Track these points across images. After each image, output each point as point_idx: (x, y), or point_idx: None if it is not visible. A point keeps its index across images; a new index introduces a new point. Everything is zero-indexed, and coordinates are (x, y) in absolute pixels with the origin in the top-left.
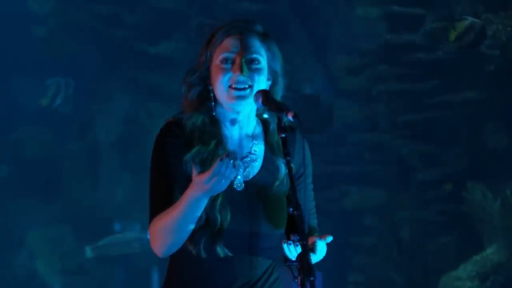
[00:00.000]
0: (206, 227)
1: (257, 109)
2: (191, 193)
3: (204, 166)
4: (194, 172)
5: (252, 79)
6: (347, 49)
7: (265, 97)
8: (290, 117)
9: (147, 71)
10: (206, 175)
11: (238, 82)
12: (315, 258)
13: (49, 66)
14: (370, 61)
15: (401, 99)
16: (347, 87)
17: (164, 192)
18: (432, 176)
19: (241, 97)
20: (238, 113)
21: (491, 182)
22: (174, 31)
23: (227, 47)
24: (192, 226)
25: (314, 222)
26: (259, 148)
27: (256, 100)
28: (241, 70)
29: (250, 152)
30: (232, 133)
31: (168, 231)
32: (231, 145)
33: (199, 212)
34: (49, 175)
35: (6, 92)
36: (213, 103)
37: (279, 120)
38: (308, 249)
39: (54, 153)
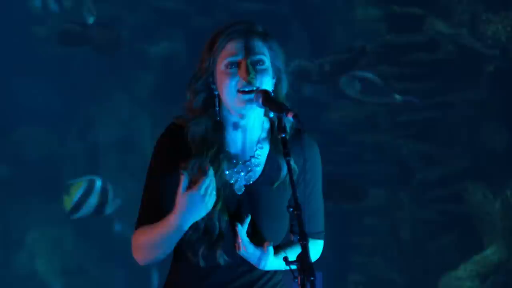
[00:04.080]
0: (205, 235)
1: (265, 111)
2: (174, 217)
3: (204, 173)
4: (181, 189)
5: (259, 81)
6: (347, 49)
7: (265, 97)
8: (290, 117)
9: (147, 71)
10: (199, 185)
11: (245, 86)
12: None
13: (49, 66)
14: (370, 61)
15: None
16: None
17: (154, 202)
18: (432, 176)
19: (250, 101)
20: (242, 116)
21: (491, 182)
22: (174, 31)
23: (230, 51)
24: (175, 242)
25: (316, 227)
26: (263, 152)
27: (256, 100)
28: (248, 73)
29: (253, 156)
30: (236, 137)
31: (152, 247)
32: (234, 149)
33: (181, 234)
34: (49, 175)
35: (6, 92)
36: (218, 108)
37: (279, 120)
38: (308, 249)
39: (54, 153)
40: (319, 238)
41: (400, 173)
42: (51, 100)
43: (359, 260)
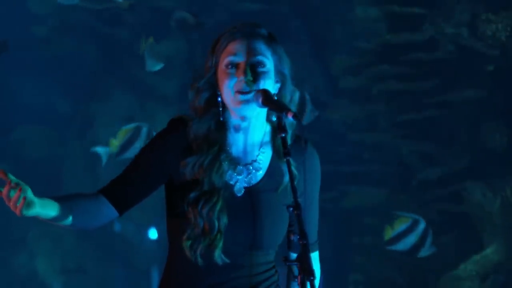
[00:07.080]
0: (204, 234)
1: (267, 115)
2: None
3: (205, 172)
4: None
5: (257, 83)
6: (347, 49)
7: (265, 96)
8: (290, 116)
9: (146, 71)
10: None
11: (243, 88)
12: None
13: (49, 66)
14: (370, 61)
15: (401, 99)
16: (347, 87)
17: (125, 176)
18: (432, 176)
19: (247, 101)
20: (243, 119)
21: (491, 182)
22: (174, 31)
23: (231, 51)
24: (64, 221)
25: (311, 238)
26: (265, 157)
27: (256, 100)
28: (245, 74)
29: (254, 160)
30: (238, 139)
31: None
32: (236, 151)
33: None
34: (49, 175)
35: (6, 92)
36: (221, 109)
37: (279, 120)
38: (308, 249)
39: (54, 153)
40: (315, 249)
41: (400, 173)
42: (51, 99)
43: (359, 260)
